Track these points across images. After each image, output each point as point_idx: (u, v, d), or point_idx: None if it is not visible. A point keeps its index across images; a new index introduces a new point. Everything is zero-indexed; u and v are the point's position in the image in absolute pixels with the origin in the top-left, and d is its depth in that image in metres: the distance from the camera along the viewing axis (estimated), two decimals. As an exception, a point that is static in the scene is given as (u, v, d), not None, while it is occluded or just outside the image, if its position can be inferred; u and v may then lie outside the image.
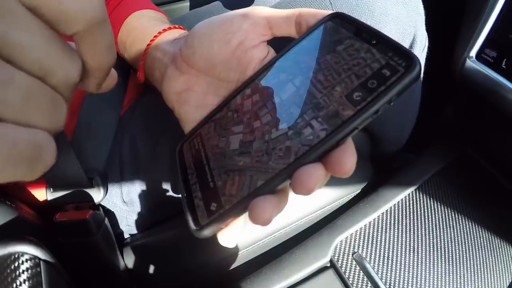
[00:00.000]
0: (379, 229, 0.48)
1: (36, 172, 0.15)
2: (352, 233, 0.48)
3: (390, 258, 0.46)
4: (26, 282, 0.21)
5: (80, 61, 0.16)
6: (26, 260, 0.23)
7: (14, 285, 0.21)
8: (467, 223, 0.51)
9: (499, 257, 0.48)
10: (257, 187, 0.19)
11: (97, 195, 0.38)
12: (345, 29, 0.23)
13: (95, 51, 0.17)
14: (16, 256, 0.22)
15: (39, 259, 0.23)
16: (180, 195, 0.43)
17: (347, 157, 0.18)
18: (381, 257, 0.46)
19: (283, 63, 0.25)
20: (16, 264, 0.22)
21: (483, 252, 0.48)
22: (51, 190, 0.37)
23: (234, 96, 0.26)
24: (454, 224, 0.50)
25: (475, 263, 0.47)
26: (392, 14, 0.37)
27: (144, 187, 0.41)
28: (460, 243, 0.48)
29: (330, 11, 0.25)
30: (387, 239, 0.47)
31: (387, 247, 0.47)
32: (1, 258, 0.22)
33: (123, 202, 0.42)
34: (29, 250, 0.23)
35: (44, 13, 0.14)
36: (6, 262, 0.22)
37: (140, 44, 0.36)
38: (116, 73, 0.21)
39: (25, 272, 0.22)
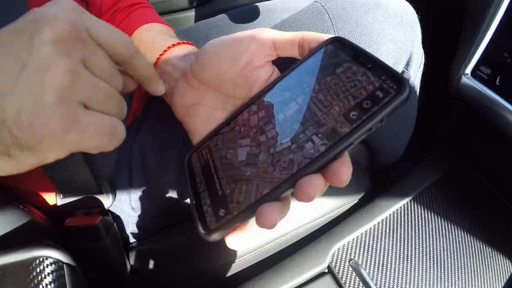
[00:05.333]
0: (375, 238, 0.50)
1: (113, 143, 0.23)
2: (349, 241, 0.50)
3: (384, 265, 0.48)
4: (52, 284, 0.23)
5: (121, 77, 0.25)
6: (50, 264, 0.24)
7: (40, 287, 0.22)
8: (459, 232, 0.53)
9: (489, 265, 0.50)
10: (263, 195, 0.22)
11: (106, 201, 0.39)
12: (344, 52, 0.25)
13: (136, 69, 0.26)
14: (41, 260, 0.24)
15: (62, 262, 0.25)
16: (187, 202, 0.45)
17: (344, 169, 0.20)
18: (376, 264, 0.48)
19: (287, 82, 0.27)
20: (41, 267, 0.24)
21: (475, 261, 0.50)
22: (61, 196, 0.39)
23: (241, 112, 0.29)
24: (447, 233, 0.52)
25: (466, 271, 0.49)
26: (390, 35, 0.38)
27: (152, 195, 0.43)
28: (452, 252, 0.50)
29: (331, 35, 0.27)
30: (382, 247, 0.49)
31: (382, 254, 0.49)
32: (26, 262, 0.24)
33: (131, 208, 0.44)
34: (52, 254, 0.25)
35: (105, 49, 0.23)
36: (32, 266, 0.24)
37: (148, 57, 0.37)
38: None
39: (50, 275, 0.24)
